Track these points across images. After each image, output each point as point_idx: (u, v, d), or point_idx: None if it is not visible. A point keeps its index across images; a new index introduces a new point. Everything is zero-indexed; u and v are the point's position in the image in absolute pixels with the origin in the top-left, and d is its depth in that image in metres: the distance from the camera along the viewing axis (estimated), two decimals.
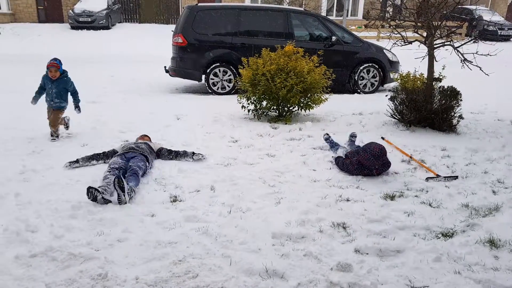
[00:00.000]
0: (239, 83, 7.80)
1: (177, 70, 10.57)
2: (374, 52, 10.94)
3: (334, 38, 10.65)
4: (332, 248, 3.53)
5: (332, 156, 5.73)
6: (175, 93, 10.84)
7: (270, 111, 7.79)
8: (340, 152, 5.76)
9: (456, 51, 6.71)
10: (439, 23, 6.92)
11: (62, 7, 26.84)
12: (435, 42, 6.93)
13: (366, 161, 4.99)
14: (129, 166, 4.88)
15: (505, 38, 24.54)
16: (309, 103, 7.56)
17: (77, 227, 3.78)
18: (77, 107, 6.50)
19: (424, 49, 7.06)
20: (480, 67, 6.55)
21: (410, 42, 7.13)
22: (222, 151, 5.96)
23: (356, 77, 10.78)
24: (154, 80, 12.05)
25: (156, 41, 19.79)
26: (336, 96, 8.82)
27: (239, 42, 10.33)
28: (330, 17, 23.43)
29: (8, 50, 17.06)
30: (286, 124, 7.37)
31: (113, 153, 5.40)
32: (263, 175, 5.14)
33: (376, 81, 10.95)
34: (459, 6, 6.90)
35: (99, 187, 4.35)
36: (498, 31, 24.36)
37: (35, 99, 6.41)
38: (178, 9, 28.02)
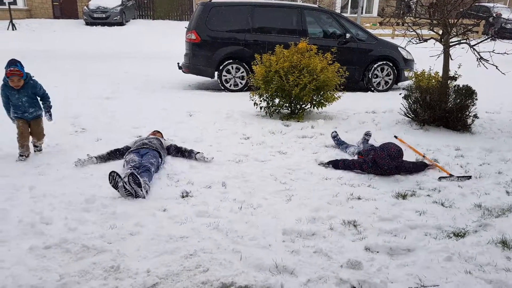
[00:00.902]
0: (251, 80, 7.80)
1: (190, 66, 10.60)
2: (388, 50, 10.86)
3: (348, 35, 10.59)
4: (342, 245, 3.53)
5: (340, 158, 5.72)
6: (188, 89, 10.88)
7: (283, 109, 7.79)
8: (351, 151, 5.75)
9: (472, 49, 6.64)
10: (455, 20, 6.85)
11: (77, 3, 27.03)
12: (451, 40, 6.87)
13: (381, 160, 4.96)
14: (142, 163, 4.91)
15: None
16: (322, 100, 7.54)
17: (90, 220, 3.83)
18: (48, 112, 5.51)
19: (439, 47, 6.99)
20: (496, 66, 6.47)
21: (425, 40, 7.06)
22: (234, 148, 5.98)
23: (370, 75, 10.72)
24: (167, 76, 12.10)
25: (170, 37, 19.86)
26: (349, 94, 8.78)
27: (252, 39, 10.33)
28: (345, 14, 23.30)
29: (23, 46, 17.23)
30: (298, 121, 7.37)
31: (126, 149, 5.44)
32: (275, 172, 5.15)
33: (390, 79, 10.88)
34: (476, 4, 6.81)
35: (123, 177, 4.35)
36: None
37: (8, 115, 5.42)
38: (192, 5, 28.08)
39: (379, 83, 10.87)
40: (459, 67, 6.97)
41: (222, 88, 10.47)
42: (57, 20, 25.89)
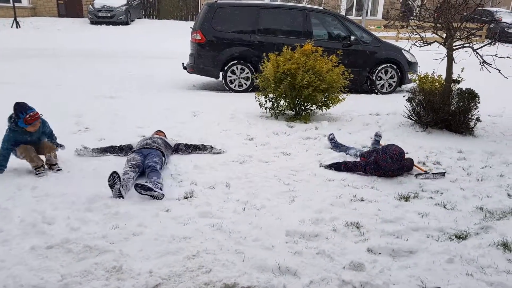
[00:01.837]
0: (257, 80, 7.81)
1: (195, 67, 10.62)
2: (392, 53, 10.87)
3: (352, 37, 10.62)
4: (345, 247, 3.55)
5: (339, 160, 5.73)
6: (192, 90, 10.91)
7: (287, 110, 7.79)
8: (353, 153, 5.76)
9: (475, 53, 6.66)
10: (459, 24, 6.86)
11: (82, 2, 27.14)
12: (454, 44, 6.88)
13: (382, 162, 4.97)
14: (146, 163, 4.92)
15: None
16: (327, 102, 7.56)
17: (93, 220, 3.84)
18: (58, 145, 5.29)
19: (443, 50, 7.00)
20: (499, 70, 6.48)
21: (429, 43, 7.07)
22: (238, 149, 5.99)
23: (374, 77, 10.73)
24: (171, 76, 12.13)
25: (175, 37, 19.87)
26: (353, 96, 8.79)
27: (257, 40, 10.34)
28: (350, 17, 23.30)
29: (28, 44, 17.30)
30: (302, 123, 7.38)
31: (128, 148, 5.47)
32: (278, 173, 5.17)
33: (394, 81, 10.88)
34: (480, 8, 6.82)
35: (122, 179, 4.40)
36: None
37: (4, 165, 4.86)
38: (197, 5, 28.14)
39: (383, 86, 10.88)
40: (462, 71, 6.97)
41: (227, 88, 10.49)
42: (61, 19, 26.01)
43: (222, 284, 2.99)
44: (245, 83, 10.45)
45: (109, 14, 23.96)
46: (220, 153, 5.68)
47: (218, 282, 3.01)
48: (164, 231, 3.69)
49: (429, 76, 7.46)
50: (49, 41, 18.49)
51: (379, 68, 10.70)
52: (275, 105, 7.68)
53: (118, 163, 5.13)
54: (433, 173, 5.19)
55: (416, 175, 5.15)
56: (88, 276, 3.06)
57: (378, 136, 6.24)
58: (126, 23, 24.54)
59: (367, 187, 4.87)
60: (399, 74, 10.83)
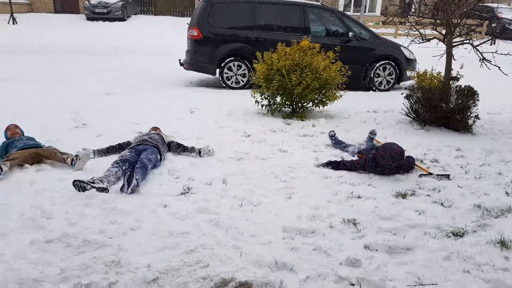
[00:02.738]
0: (253, 77, 7.80)
1: (191, 63, 10.59)
2: (391, 49, 10.85)
3: (350, 34, 10.60)
4: (341, 243, 3.55)
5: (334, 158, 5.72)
6: (189, 86, 10.89)
7: (284, 107, 7.79)
8: (351, 150, 5.76)
9: (475, 49, 6.64)
10: (459, 20, 6.84)
11: None
12: (454, 40, 6.86)
13: (382, 159, 4.96)
14: (139, 159, 4.90)
15: None
16: (324, 99, 7.54)
17: (91, 215, 3.84)
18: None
19: (442, 47, 6.99)
20: (499, 67, 6.47)
21: (428, 40, 7.05)
22: (235, 145, 5.99)
23: (372, 74, 10.72)
24: (168, 73, 12.10)
25: (171, 33, 19.84)
26: (351, 93, 8.79)
27: (254, 36, 10.31)
28: (348, 13, 23.28)
29: (24, 40, 17.23)
30: (299, 120, 7.37)
31: (127, 144, 5.46)
32: (275, 170, 5.16)
33: (392, 78, 10.88)
34: (480, 4, 6.79)
35: (91, 178, 4.41)
36: None
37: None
38: (194, 1, 28.05)
39: (381, 83, 10.88)
40: (462, 68, 6.97)
41: (224, 85, 10.47)
42: (58, 15, 25.88)
43: (220, 278, 2.99)
44: (242, 80, 10.43)
45: (105, 10, 23.83)
46: (210, 155, 5.53)
47: (215, 277, 3.00)
48: (161, 226, 3.68)
49: (428, 73, 7.45)
50: (46, 37, 18.43)
51: (377, 65, 10.69)
52: (272, 102, 7.66)
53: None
54: (437, 175, 5.09)
55: (420, 175, 5.07)
56: (87, 269, 3.06)
57: (373, 134, 6.24)
58: (123, 19, 24.43)
59: (364, 184, 4.87)
60: (398, 71, 10.83)
